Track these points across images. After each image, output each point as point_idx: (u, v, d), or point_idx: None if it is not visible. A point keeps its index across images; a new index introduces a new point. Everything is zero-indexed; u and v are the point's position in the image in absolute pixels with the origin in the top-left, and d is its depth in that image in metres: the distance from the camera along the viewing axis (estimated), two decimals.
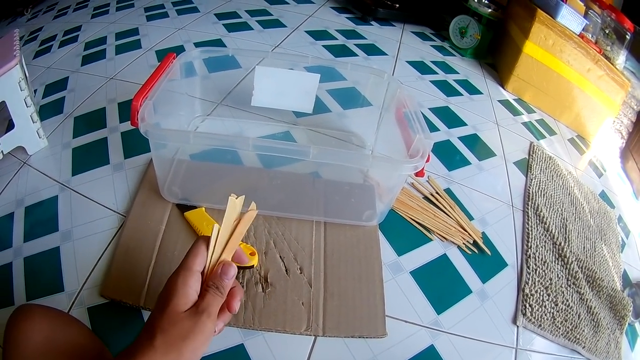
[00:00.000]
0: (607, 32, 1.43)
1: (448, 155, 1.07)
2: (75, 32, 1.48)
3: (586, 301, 0.84)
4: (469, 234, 0.87)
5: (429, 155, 0.66)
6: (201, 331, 0.42)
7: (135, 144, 0.92)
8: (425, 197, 0.92)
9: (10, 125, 0.86)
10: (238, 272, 0.69)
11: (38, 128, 0.91)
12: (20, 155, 0.91)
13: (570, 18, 1.34)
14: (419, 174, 0.67)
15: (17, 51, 0.83)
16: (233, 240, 0.49)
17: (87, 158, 0.90)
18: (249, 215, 0.50)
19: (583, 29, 1.37)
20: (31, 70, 1.24)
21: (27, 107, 0.86)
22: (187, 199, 0.79)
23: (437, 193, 0.93)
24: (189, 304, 0.43)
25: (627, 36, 1.40)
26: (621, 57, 1.39)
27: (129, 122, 0.66)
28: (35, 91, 1.15)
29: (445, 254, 0.83)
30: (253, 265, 0.69)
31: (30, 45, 1.47)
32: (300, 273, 0.71)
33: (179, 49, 1.28)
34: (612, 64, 1.34)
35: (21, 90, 0.84)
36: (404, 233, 0.84)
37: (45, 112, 1.05)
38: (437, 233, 0.85)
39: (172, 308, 0.42)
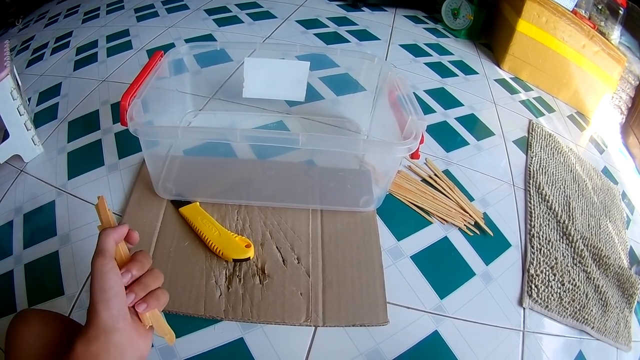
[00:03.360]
0: (600, 7, 1.41)
1: (445, 136, 1.06)
2: (67, 38, 1.48)
3: (593, 280, 0.83)
4: (470, 215, 0.85)
5: (422, 136, 0.65)
6: (95, 270, 0.41)
7: (129, 143, 0.92)
8: (424, 180, 0.91)
9: (6, 135, 0.86)
10: (234, 266, 0.69)
11: (33, 135, 0.91)
12: (16, 163, 0.91)
13: None
14: (414, 155, 0.66)
15: (7, 62, 0.84)
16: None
17: (82, 161, 0.91)
18: (101, 203, 0.50)
19: (576, 5, 1.36)
20: (25, 79, 1.24)
21: (21, 115, 0.86)
22: (181, 195, 0.78)
23: (435, 175, 0.92)
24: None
25: (620, 11, 1.39)
26: (615, 33, 1.38)
27: None
28: (29, 99, 1.15)
29: (446, 236, 0.81)
30: (249, 258, 0.69)
31: (22, 54, 1.48)
32: (298, 263, 0.70)
33: (170, 47, 1.27)
34: (607, 39, 1.33)
35: (13, 100, 0.84)
36: (402, 217, 0.83)
37: (40, 118, 1.05)
38: (437, 215, 0.84)
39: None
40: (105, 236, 0.44)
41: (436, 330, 0.68)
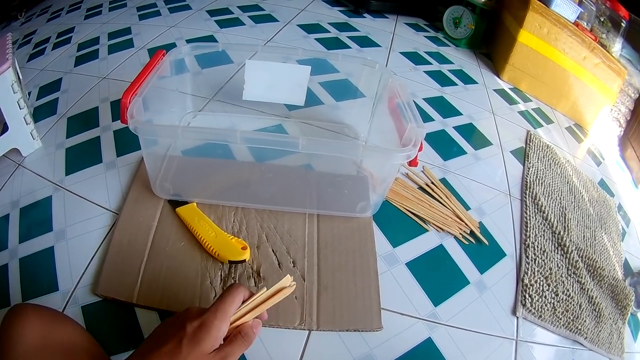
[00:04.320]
0: (602, 20, 1.42)
1: (443, 145, 1.06)
2: (69, 33, 1.48)
3: (587, 291, 0.83)
4: (466, 223, 0.86)
5: (421, 144, 0.65)
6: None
7: (127, 141, 0.92)
8: (421, 188, 0.91)
9: (5, 128, 0.86)
10: (230, 267, 0.69)
11: (32, 129, 0.91)
12: (14, 157, 0.91)
13: (565, 6, 1.33)
14: (412, 163, 0.67)
15: (9, 54, 0.83)
16: (264, 305, 0.51)
17: (80, 157, 0.90)
18: (286, 292, 0.52)
19: (578, 17, 1.36)
20: (25, 73, 1.24)
21: (20, 109, 0.86)
22: (179, 195, 0.78)
23: (432, 183, 0.92)
24: (216, 347, 0.45)
25: (622, 24, 1.39)
26: (617, 45, 1.38)
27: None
28: (29, 93, 1.15)
29: (441, 244, 0.82)
30: (245, 260, 0.69)
31: (24, 48, 1.48)
32: (293, 266, 0.70)
33: (171, 47, 1.27)
34: (608, 51, 1.33)
35: (14, 93, 0.83)
36: (399, 224, 0.83)
37: (40, 113, 1.05)
38: (433, 223, 0.84)
39: (202, 349, 0.44)
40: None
41: (430, 337, 0.68)
